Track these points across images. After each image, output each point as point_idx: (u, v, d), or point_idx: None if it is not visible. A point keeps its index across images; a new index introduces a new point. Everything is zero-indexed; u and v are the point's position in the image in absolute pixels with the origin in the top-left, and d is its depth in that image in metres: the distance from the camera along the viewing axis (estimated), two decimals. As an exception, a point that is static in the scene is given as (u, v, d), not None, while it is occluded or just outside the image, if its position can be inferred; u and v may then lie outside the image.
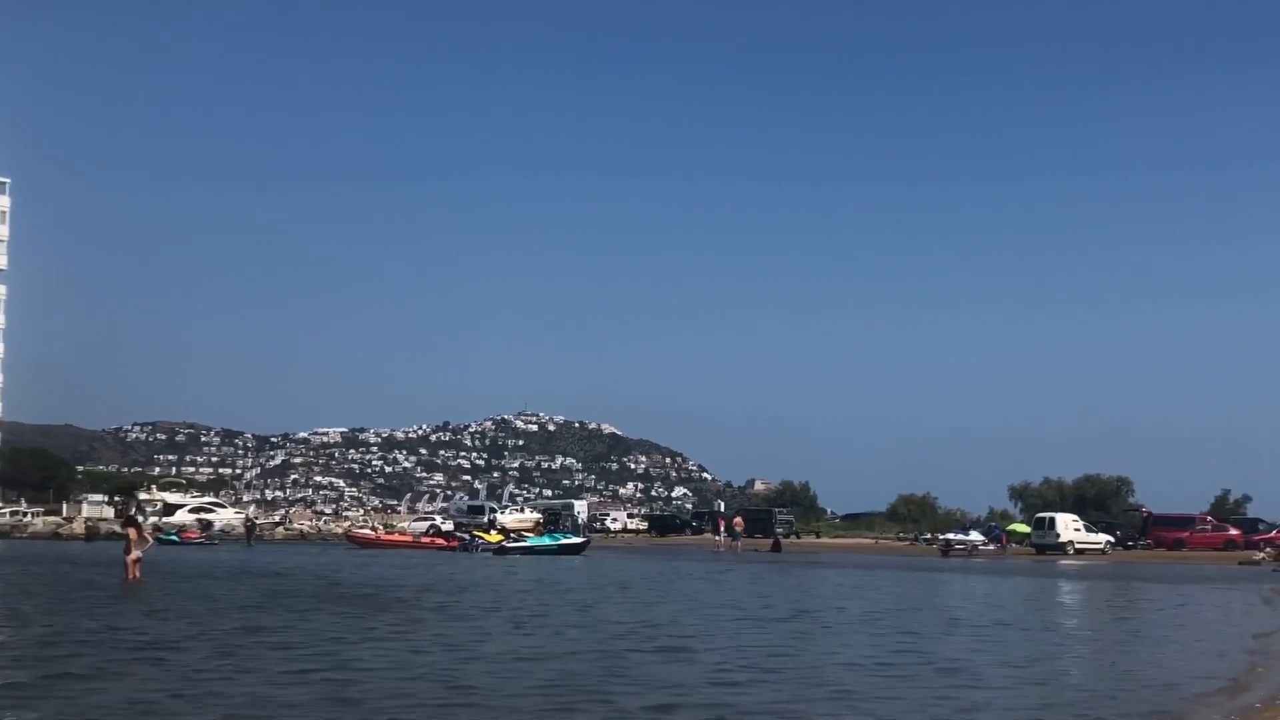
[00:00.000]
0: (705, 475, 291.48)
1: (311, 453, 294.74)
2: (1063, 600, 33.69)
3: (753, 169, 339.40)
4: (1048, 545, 69.71)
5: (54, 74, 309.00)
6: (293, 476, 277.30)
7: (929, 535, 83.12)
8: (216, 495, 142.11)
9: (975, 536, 72.38)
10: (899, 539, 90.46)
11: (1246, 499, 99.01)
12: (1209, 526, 75.96)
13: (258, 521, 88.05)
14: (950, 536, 73.08)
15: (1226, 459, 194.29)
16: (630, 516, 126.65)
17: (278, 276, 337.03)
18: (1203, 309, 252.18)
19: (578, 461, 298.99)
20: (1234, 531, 74.30)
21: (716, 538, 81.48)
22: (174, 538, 71.89)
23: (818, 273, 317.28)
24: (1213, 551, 69.73)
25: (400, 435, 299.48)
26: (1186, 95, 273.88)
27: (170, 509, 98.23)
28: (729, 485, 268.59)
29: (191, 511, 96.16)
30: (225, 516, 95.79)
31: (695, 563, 53.96)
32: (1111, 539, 72.77)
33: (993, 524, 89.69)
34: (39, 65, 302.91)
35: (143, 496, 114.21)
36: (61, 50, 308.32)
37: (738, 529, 77.36)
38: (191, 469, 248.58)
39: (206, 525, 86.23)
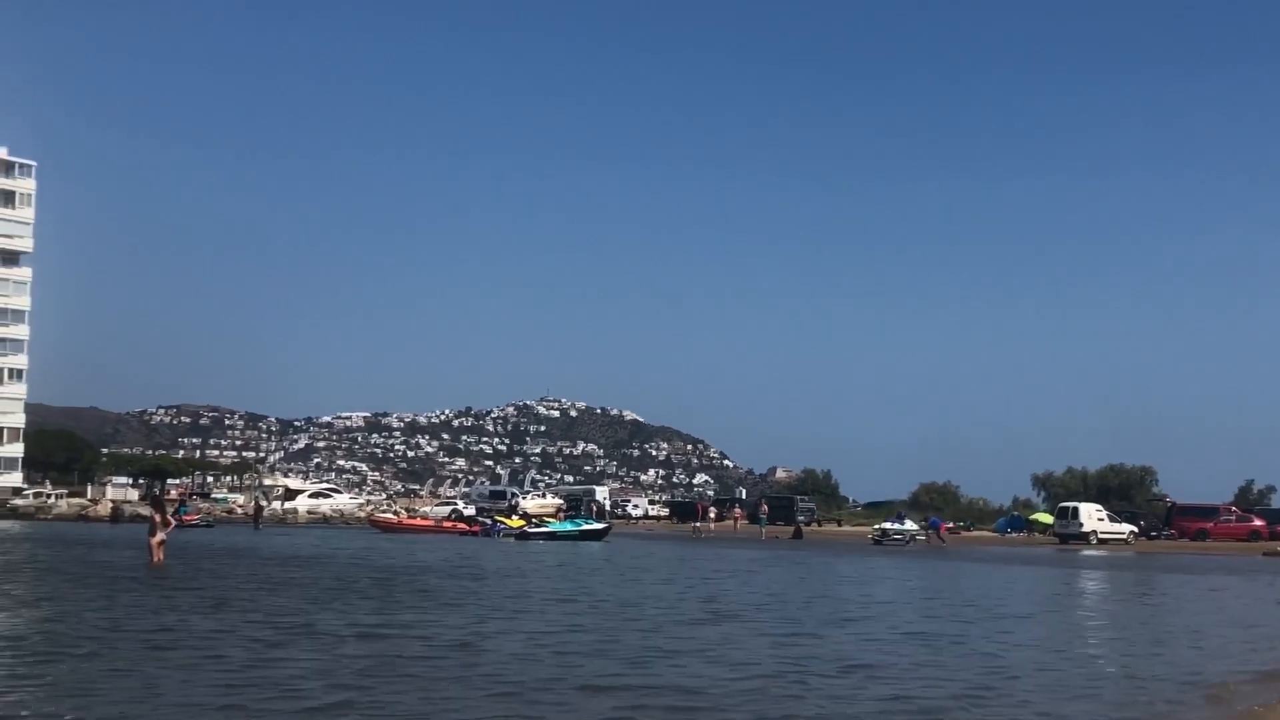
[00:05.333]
0: (727, 463, 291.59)
1: (335, 437, 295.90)
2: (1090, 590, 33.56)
3: (777, 159, 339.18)
4: (1071, 535, 69.40)
5: (79, 60, 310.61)
6: (316, 460, 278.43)
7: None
8: (240, 479, 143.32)
9: (911, 526, 70.71)
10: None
11: (1270, 489, 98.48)
12: (1233, 517, 75.43)
13: (262, 504, 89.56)
14: (886, 525, 71.19)
15: (1251, 449, 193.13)
16: (651, 503, 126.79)
17: (302, 262, 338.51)
18: (1228, 299, 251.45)
19: (599, 448, 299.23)
20: (1258, 522, 73.79)
21: (696, 524, 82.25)
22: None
23: (842, 262, 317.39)
24: (1236, 542, 69.32)
25: (423, 420, 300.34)
26: (1213, 89, 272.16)
27: (291, 494, 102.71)
28: (750, 473, 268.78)
29: (311, 497, 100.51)
30: (340, 502, 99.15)
31: (740, 550, 54.02)
32: (1135, 529, 72.34)
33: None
34: (64, 53, 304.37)
35: (267, 482, 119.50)
36: (87, 39, 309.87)
37: (763, 515, 77.26)
38: (215, 452, 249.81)
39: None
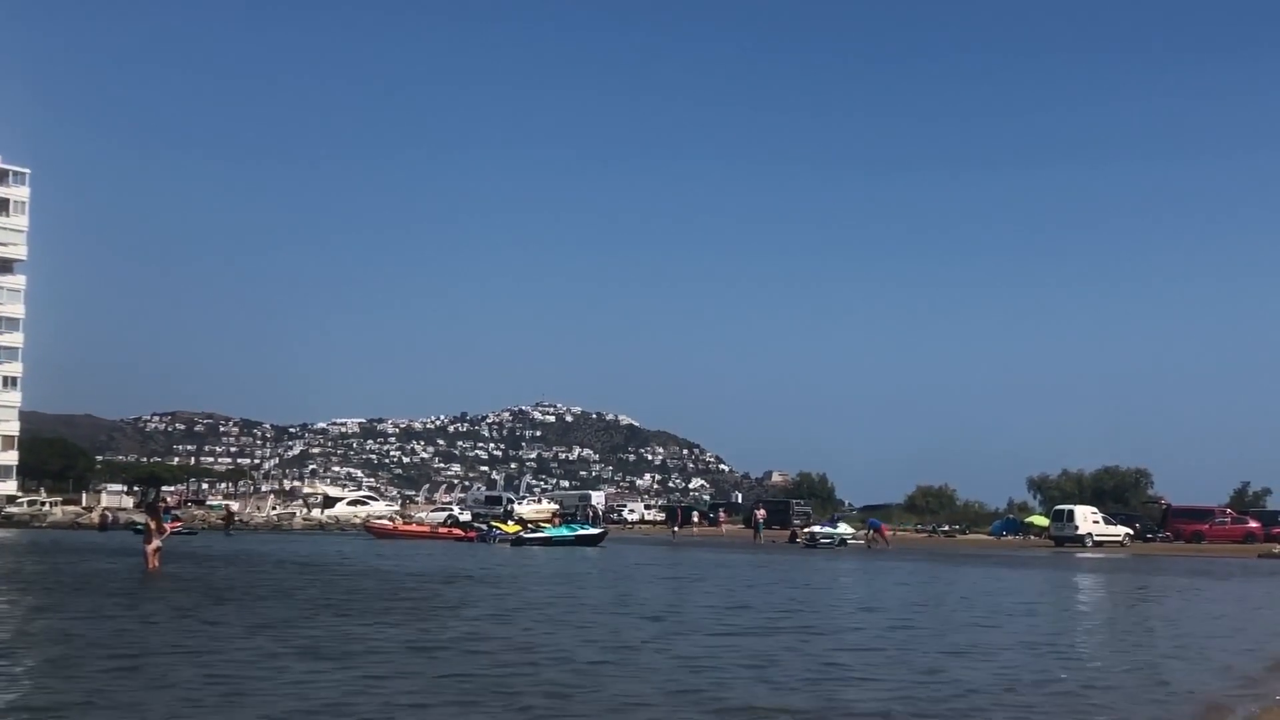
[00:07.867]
0: (723, 467, 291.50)
1: (330, 443, 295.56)
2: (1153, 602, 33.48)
3: (771, 161, 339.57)
4: (1066, 537, 69.48)
5: (73, 66, 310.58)
6: (311, 466, 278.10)
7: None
8: (235, 485, 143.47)
9: (844, 529, 70.64)
10: (916, 531, 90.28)
11: (1266, 491, 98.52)
12: (1228, 519, 75.55)
13: (234, 510, 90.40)
14: (815, 529, 70.96)
15: (1246, 451, 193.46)
16: (647, 508, 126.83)
17: (297, 268, 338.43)
18: (1223, 299, 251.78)
19: (595, 453, 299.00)
20: (1254, 524, 73.88)
21: (675, 529, 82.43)
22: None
23: (836, 265, 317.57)
24: (1232, 544, 69.40)
25: (418, 426, 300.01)
26: (1208, 81, 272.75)
27: (331, 501, 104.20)
28: (746, 477, 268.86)
29: (349, 505, 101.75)
30: (377, 509, 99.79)
31: (752, 554, 53.98)
32: (1130, 531, 72.44)
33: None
34: (58, 59, 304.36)
35: (306, 490, 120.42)
36: (81, 45, 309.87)
37: (760, 520, 77.12)
38: (210, 459, 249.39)
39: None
